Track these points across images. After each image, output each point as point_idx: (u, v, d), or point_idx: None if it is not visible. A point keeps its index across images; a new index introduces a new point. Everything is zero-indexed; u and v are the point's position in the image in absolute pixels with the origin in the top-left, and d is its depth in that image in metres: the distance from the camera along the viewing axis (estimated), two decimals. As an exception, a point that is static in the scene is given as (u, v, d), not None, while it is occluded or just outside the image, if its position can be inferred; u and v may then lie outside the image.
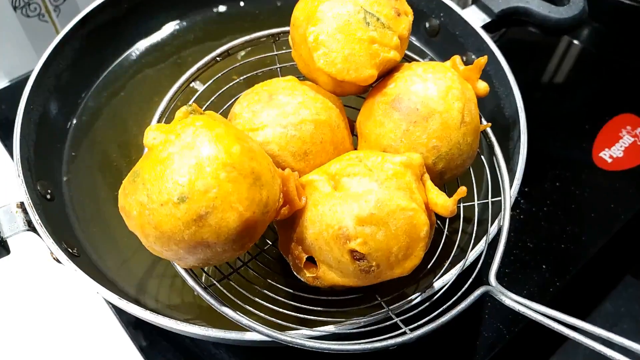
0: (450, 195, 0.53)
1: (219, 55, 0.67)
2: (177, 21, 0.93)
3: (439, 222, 0.62)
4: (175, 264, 0.54)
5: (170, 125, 0.48)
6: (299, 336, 0.52)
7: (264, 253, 0.62)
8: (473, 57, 0.79)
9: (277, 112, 0.56)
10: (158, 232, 0.46)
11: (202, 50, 0.86)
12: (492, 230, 0.59)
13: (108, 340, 0.71)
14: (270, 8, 0.95)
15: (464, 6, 0.82)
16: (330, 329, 0.53)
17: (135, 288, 0.68)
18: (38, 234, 0.61)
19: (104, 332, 0.71)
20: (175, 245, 0.46)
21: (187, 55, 0.90)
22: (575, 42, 1.01)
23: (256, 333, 0.51)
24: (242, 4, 0.95)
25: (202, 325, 0.55)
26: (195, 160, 0.45)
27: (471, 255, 0.57)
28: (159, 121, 0.63)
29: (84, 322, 0.72)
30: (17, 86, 0.92)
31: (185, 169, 0.44)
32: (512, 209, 0.58)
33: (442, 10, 0.83)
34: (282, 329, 0.52)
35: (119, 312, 0.71)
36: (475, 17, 0.79)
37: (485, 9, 0.79)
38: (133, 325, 0.70)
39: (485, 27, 0.79)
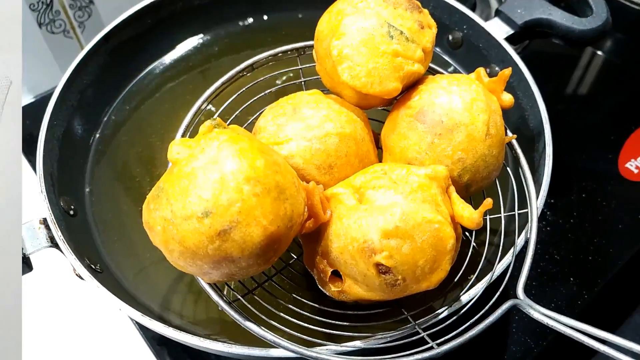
0: (476, 207, 0.52)
1: (243, 70, 0.67)
2: (201, 35, 0.93)
3: (467, 234, 0.61)
4: (200, 279, 0.53)
5: (194, 139, 0.48)
6: (325, 352, 0.51)
7: (289, 267, 0.62)
8: (497, 69, 0.78)
9: (301, 125, 0.56)
10: (182, 247, 0.45)
11: (226, 64, 0.86)
12: (519, 242, 0.58)
13: (132, 358, 0.70)
14: (293, 21, 0.95)
15: (486, 18, 0.81)
16: (357, 344, 0.53)
17: (158, 304, 0.68)
18: (61, 251, 0.61)
19: (128, 348, 0.71)
20: (200, 260, 0.46)
21: (211, 69, 0.90)
22: (599, 52, 1.00)
23: (281, 349, 0.51)
24: (265, 17, 0.95)
25: (226, 342, 0.55)
26: (219, 174, 0.45)
27: (498, 268, 0.57)
28: (183, 135, 0.63)
29: (107, 339, 0.72)
30: (41, 102, 0.93)
31: (209, 184, 0.44)
32: (539, 220, 0.57)
33: (465, 23, 0.82)
34: (308, 344, 0.52)
35: (143, 329, 0.71)
36: (498, 29, 0.79)
37: (508, 21, 0.79)
38: (157, 342, 0.70)
39: (509, 39, 0.78)
